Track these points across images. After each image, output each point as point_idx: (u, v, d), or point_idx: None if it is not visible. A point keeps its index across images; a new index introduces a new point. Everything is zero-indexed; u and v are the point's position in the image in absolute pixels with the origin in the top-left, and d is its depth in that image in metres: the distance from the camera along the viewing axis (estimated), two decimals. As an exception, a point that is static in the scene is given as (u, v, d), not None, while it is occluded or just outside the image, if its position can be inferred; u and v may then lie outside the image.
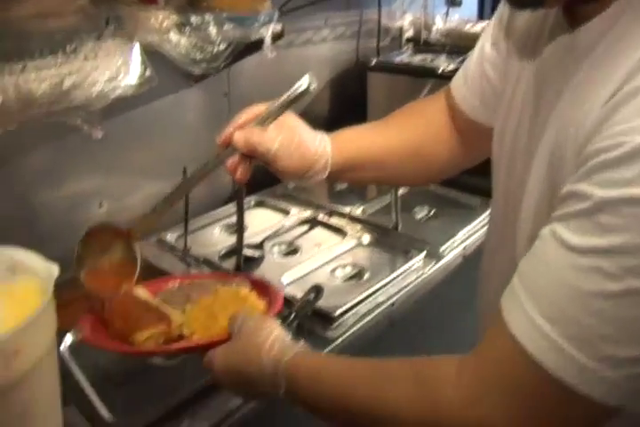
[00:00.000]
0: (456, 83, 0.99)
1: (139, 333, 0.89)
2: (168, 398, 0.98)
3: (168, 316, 0.93)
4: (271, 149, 0.87)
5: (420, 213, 1.68)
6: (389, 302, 1.26)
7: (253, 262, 1.42)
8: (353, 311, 1.21)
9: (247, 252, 1.42)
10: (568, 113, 0.63)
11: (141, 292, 0.99)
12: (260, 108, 0.90)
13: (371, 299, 1.25)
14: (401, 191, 1.54)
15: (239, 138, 0.87)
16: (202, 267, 1.40)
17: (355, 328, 1.18)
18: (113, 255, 0.98)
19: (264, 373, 0.74)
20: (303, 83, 0.86)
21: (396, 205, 1.54)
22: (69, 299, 1.29)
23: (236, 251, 1.38)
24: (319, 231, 1.59)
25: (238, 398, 0.97)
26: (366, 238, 1.51)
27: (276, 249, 1.50)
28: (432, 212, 1.68)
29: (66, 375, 1.02)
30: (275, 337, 0.77)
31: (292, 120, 0.93)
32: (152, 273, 1.40)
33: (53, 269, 0.71)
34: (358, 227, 1.57)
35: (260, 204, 1.74)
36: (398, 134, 1.01)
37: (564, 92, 0.65)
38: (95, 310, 0.96)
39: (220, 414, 0.97)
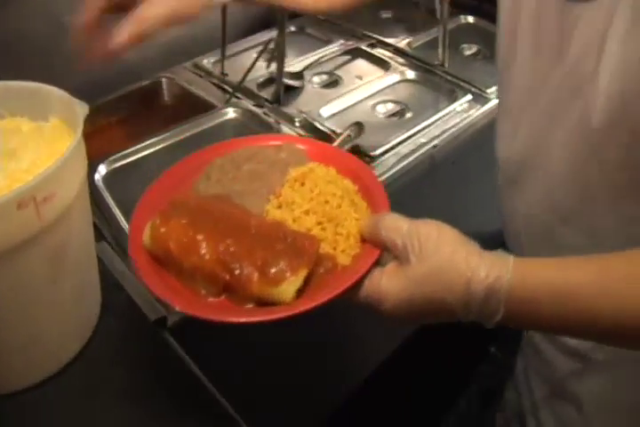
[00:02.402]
0: None
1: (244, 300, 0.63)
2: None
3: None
4: None
5: (468, 50, 1.58)
6: (431, 144, 1.22)
7: (293, 92, 1.37)
8: (394, 151, 1.19)
9: (287, 81, 1.36)
10: None
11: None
12: None
13: (412, 139, 1.22)
14: (450, 26, 1.43)
15: None
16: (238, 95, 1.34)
17: (395, 169, 1.16)
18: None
19: (470, 303, 0.59)
20: None
21: (444, 41, 1.43)
22: (102, 125, 1.28)
23: (274, 79, 1.32)
24: (361, 62, 1.51)
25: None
26: (410, 74, 1.44)
27: (316, 79, 1.44)
28: (480, 51, 1.57)
29: (100, 206, 1.02)
30: (473, 262, 0.60)
31: None
32: (188, 99, 1.36)
33: (83, 108, 0.67)
34: (402, 60, 1.49)
35: (300, 31, 1.64)
36: None
37: None
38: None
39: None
